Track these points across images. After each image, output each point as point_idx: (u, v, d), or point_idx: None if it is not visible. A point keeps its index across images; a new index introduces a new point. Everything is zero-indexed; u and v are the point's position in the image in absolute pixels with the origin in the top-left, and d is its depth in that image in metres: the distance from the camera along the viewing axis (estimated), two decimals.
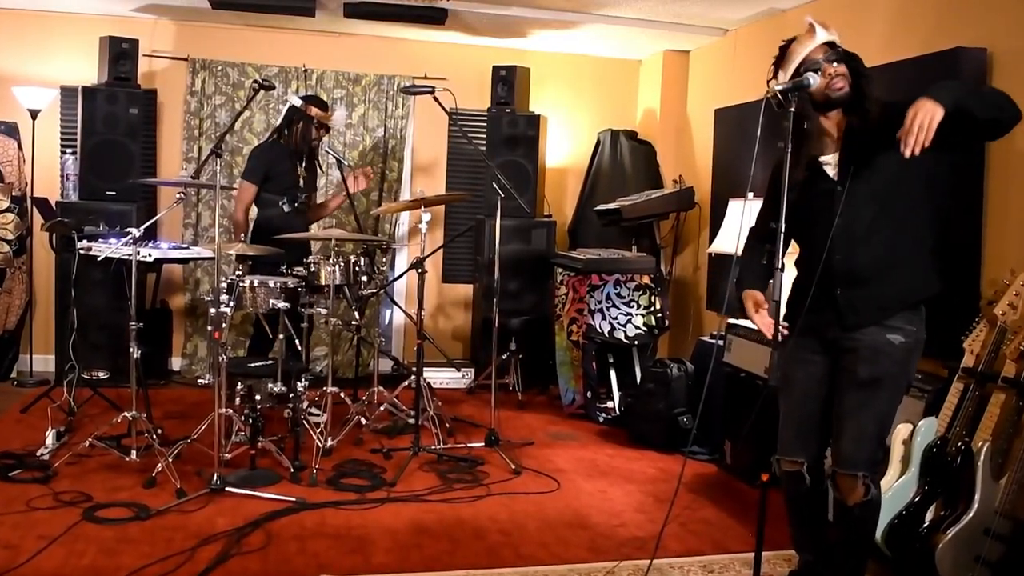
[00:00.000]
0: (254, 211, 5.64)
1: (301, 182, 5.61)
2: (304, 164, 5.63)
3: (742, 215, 4.88)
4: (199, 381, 4.93)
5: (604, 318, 6.05)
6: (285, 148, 5.57)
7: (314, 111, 5.56)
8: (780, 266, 2.82)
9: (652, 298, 6.13)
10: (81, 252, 4.85)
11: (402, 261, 7.34)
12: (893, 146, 2.67)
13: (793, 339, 3.06)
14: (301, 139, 5.55)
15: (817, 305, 2.98)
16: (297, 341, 5.08)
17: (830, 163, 3.04)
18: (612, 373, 6.27)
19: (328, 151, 6.11)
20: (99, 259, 4.65)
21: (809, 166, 3.04)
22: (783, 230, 2.79)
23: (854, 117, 2.97)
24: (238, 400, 4.59)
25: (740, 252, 3.35)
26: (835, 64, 2.94)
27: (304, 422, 4.74)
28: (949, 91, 2.63)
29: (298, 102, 5.56)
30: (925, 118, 2.58)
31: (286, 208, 5.53)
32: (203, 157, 6.61)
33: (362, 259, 5.36)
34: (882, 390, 2.97)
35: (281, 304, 4.73)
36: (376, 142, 7.12)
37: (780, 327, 2.84)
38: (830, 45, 2.97)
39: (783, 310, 2.89)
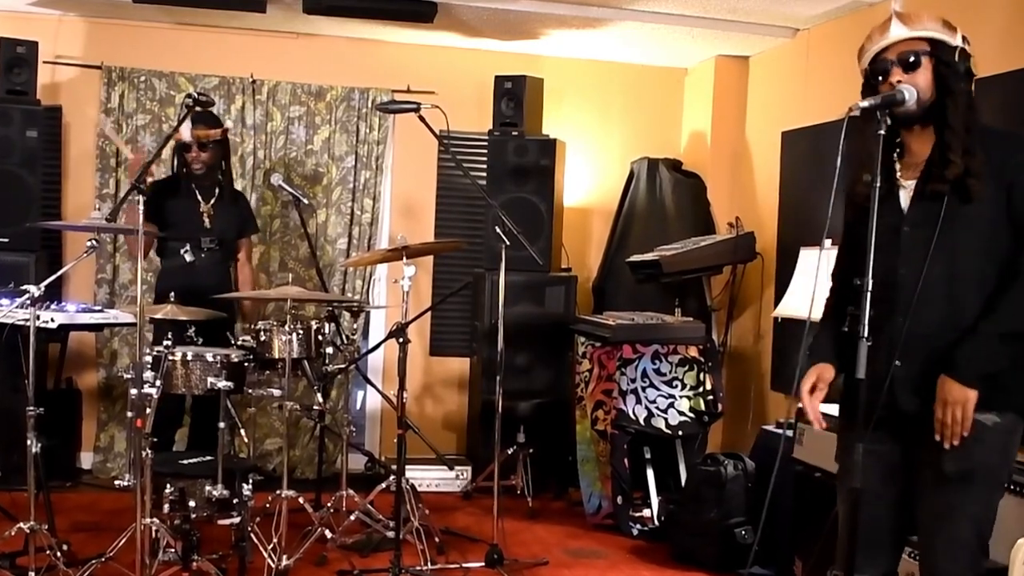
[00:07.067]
0: (158, 262, 5.98)
1: (207, 222, 5.83)
2: (214, 200, 5.88)
3: (817, 268, 4.99)
4: (116, 483, 4.98)
5: (639, 401, 6.14)
6: (182, 184, 5.87)
7: (183, 132, 5.72)
8: (864, 334, 2.95)
9: (701, 376, 6.23)
10: None
11: (378, 328, 7.48)
12: (982, 187, 2.90)
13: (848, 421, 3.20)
14: (183, 169, 5.82)
15: (877, 376, 3.08)
16: (243, 431, 5.17)
17: (907, 189, 3.16)
18: (650, 472, 6.34)
19: (283, 186, 6.26)
20: None
21: (883, 186, 3.11)
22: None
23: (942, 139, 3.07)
24: (167, 507, 4.67)
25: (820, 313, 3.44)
26: (906, 71, 3.04)
27: (252, 536, 4.81)
28: (973, 359, 2.93)
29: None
30: (956, 412, 2.92)
31: (188, 257, 5.77)
32: (122, 194, 6.66)
33: (327, 325, 5.49)
34: (977, 486, 3.06)
35: (222, 384, 4.83)
36: (345, 174, 7.25)
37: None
38: (917, 42, 3.04)
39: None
